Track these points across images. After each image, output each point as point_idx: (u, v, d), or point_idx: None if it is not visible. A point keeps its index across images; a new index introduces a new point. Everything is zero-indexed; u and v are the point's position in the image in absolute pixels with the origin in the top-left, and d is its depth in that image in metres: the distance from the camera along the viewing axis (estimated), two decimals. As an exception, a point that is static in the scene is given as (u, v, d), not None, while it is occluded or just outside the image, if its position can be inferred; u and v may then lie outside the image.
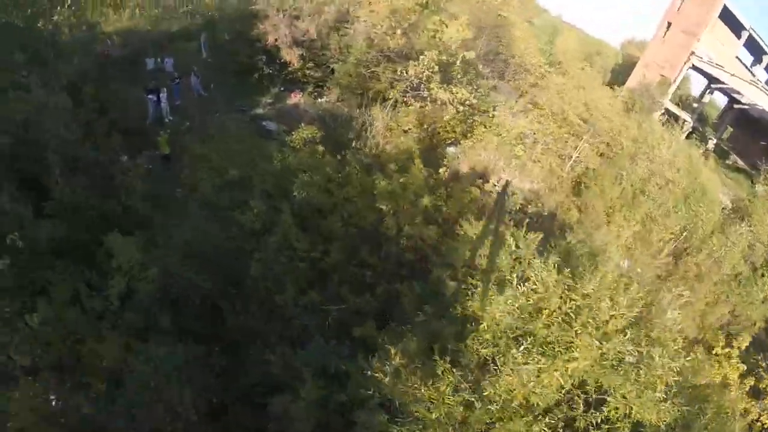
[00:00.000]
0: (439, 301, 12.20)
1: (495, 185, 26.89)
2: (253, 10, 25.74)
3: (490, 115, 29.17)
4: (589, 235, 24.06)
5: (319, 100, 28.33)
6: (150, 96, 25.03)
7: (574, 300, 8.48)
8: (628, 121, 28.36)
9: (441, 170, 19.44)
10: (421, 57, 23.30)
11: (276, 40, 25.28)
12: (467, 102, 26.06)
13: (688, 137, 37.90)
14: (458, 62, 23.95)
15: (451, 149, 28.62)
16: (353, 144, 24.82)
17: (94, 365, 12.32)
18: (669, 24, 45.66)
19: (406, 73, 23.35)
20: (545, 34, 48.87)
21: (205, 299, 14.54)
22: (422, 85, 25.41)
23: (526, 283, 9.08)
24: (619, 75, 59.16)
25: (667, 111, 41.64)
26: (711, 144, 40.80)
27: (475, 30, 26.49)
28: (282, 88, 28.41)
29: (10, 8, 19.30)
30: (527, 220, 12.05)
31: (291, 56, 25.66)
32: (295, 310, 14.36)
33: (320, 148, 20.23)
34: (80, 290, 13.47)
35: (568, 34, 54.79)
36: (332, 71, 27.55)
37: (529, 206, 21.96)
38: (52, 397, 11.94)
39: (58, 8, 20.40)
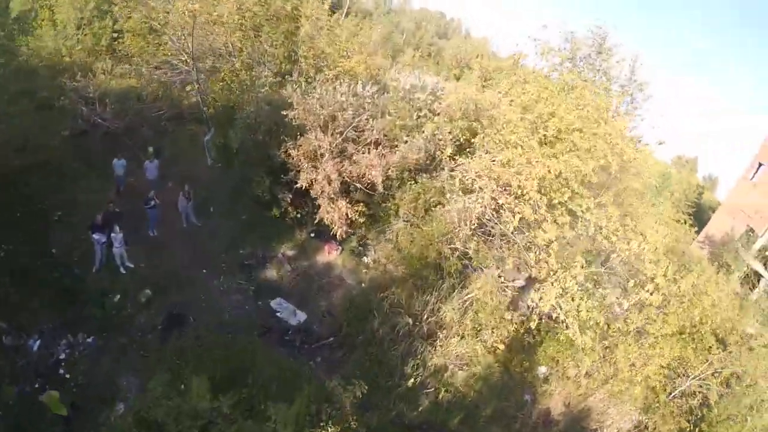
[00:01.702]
0: None
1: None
2: (286, 117, 14.73)
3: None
4: None
5: (365, 259, 17.27)
6: (95, 235, 15.03)
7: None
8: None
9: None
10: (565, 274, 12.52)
11: (313, 182, 14.28)
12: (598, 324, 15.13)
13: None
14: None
15: (541, 369, 18.01)
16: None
17: None
18: (760, 165, 37.60)
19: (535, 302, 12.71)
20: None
21: None
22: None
23: None
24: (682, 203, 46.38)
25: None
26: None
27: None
28: (313, 233, 17.61)
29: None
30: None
31: (334, 216, 14.85)
32: None
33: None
34: None
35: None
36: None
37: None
38: None
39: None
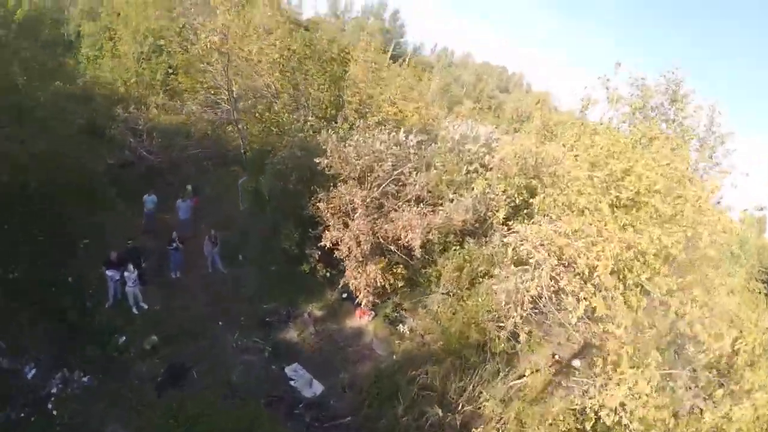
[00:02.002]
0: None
1: None
2: (319, 165, 13.18)
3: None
4: None
5: (401, 328, 15.07)
6: (109, 271, 14.27)
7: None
8: None
9: None
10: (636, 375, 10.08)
11: (339, 242, 12.48)
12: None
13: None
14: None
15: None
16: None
17: None
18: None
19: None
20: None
21: None
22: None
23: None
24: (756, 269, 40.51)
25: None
26: None
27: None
28: (345, 294, 15.67)
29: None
30: None
31: (360, 283, 12.87)
32: None
33: None
34: None
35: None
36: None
37: None
38: None
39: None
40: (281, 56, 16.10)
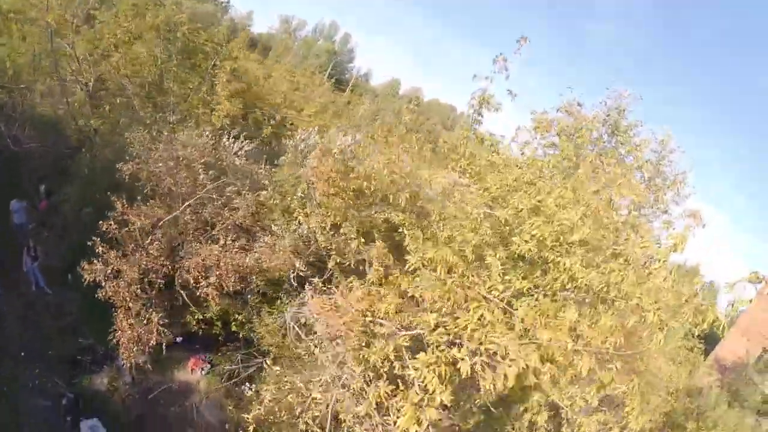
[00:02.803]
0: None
1: None
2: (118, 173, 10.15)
3: None
4: None
5: (246, 389, 11.71)
6: None
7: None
8: None
9: None
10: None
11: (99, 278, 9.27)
12: None
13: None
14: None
15: None
16: None
17: None
18: (783, 278, 26.78)
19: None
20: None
21: None
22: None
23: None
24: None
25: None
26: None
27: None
28: (180, 338, 12.39)
29: None
30: None
31: (123, 336, 9.57)
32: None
33: None
34: None
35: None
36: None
37: None
38: None
39: None
40: (115, 37, 13.25)
